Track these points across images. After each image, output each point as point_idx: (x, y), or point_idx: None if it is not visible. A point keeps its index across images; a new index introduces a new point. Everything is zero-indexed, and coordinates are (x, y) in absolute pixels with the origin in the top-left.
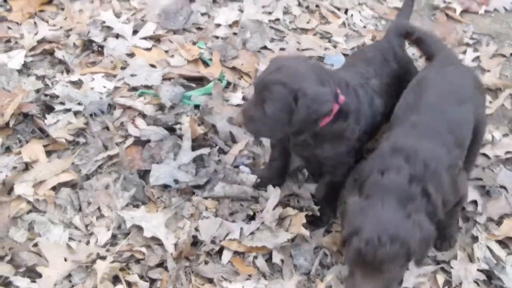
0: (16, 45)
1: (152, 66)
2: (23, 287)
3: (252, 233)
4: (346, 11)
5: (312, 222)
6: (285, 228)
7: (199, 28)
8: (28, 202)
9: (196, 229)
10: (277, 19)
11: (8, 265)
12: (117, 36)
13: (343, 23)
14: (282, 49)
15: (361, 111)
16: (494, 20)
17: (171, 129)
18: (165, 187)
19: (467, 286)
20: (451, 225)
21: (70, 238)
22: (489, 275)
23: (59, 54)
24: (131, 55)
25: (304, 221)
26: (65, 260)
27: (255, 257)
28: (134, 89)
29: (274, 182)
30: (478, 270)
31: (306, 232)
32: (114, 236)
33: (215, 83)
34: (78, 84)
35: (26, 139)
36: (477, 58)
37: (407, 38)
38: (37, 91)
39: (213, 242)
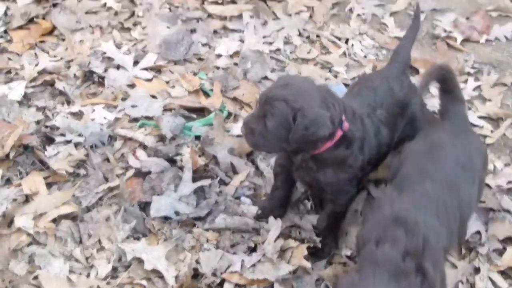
0: (16, 76)
1: (153, 97)
2: None
3: (253, 265)
4: (346, 41)
5: (314, 254)
6: (286, 260)
7: (200, 59)
8: (29, 234)
9: (197, 262)
10: (278, 49)
11: None
12: (118, 67)
13: (344, 53)
14: None
15: (366, 140)
16: (495, 49)
17: (172, 161)
18: (166, 219)
19: None
20: None
21: (71, 271)
22: None
23: (59, 85)
24: (132, 86)
25: (306, 252)
26: None
27: None
28: (135, 120)
29: (275, 213)
30: None
31: (307, 264)
32: (114, 269)
33: (216, 114)
34: (78, 115)
35: (27, 171)
36: (478, 87)
37: (442, 82)
38: (38, 122)
39: (214, 274)
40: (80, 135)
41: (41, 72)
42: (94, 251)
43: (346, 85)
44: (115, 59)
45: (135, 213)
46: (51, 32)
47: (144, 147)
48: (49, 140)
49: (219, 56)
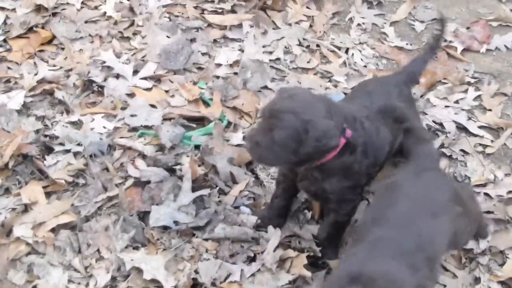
0: (15, 85)
1: (153, 106)
2: None
3: (252, 275)
4: (346, 51)
5: (314, 264)
6: (286, 269)
7: (199, 68)
8: (27, 244)
9: (196, 271)
10: (278, 59)
11: None
12: (117, 76)
13: (344, 63)
14: None
15: (369, 143)
16: (495, 58)
17: (171, 170)
18: (165, 228)
19: None
20: None
21: (69, 281)
22: None
23: (59, 94)
24: (132, 95)
25: (306, 262)
26: None
27: None
28: (134, 129)
29: (274, 222)
30: None
31: (307, 274)
32: (113, 279)
33: (215, 123)
34: (78, 124)
35: (26, 180)
36: (478, 97)
37: (395, 120)
38: (37, 131)
39: (213, 284)
40: (79, 144)
41: (41, 81)
42: (93, 261)
43: (346, 94)
44: (115, 68)
45: (134, 223)
46: (50, 41)
47: (143, 156)
48: (48, 150)
49: (219, 65)
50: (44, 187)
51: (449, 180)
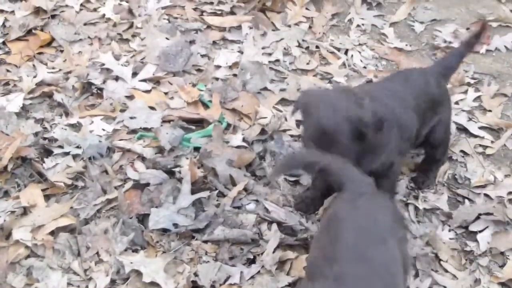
0: (14, 88)
1: (152, 108)
2: None
3: (252, 277)
4: (346, 52)
5: None
6: (285, 271)
7: (198, 70)
8: (27, 247)
9: (196, 274)
10: (277, 60)
11: None
12: (116, 78)
13: (343, 64)
14: (282, 90)
15: (395, 119)
16: (495, 59)
17: (170, 172)
18: (165, 231)
19: None
20: None
21: (69, 284)
22: None
23: (58, 97)
24: (131, 97)
25: (305, 264)
26: None
27: None
28: (133, 131)
29: (316, 202)
30: None
31: None
32: (113, 281)
33: (215, 125)
34: (77, 127)
35: (25, 183)
36: (478, 98)
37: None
38: (36, 134)
39: (213, 286)
40: (78, 147)
41: (40, 84)
42: (92, 264)
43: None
44: (114, 70)
45: (133, 226)
46: (49, 43)
47: (142, 159)
48: (47, 152)
49: (218, 67)
50: (43, 190)
51: (387, 201)
